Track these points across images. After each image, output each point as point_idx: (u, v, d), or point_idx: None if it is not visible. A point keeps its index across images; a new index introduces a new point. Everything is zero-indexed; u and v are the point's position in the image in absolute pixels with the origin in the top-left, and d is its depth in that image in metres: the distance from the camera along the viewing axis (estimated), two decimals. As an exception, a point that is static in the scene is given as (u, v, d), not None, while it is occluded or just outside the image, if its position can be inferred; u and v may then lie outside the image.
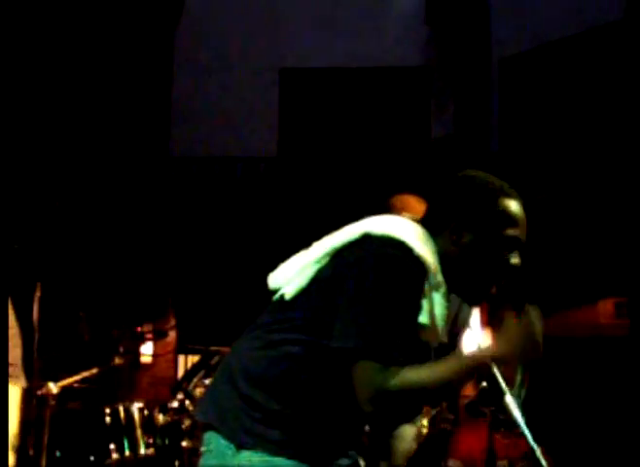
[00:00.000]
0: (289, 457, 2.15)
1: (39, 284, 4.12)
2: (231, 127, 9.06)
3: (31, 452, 4.11)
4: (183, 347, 7.07)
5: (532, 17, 7.52)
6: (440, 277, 2.20)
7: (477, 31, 8.45)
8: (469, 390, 6.46)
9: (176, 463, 4.39)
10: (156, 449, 4.33)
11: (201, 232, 8.18)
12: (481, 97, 8.27)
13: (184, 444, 4.36)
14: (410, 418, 2.37)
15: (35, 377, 4.09)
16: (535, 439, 2.38)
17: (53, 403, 4.17)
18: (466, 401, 5.99)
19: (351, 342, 2.09)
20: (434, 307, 2.20)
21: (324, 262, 2.22)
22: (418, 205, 3.63)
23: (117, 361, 4.58)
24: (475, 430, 4.74)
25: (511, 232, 2.25)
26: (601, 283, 6.46)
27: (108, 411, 4.32)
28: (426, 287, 2.17)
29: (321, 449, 2.21)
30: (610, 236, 6.42)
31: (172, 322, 5.76)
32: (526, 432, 2.36)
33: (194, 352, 6.11)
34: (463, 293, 2.30)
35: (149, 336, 4.89)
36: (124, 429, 4.29)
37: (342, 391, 2.15)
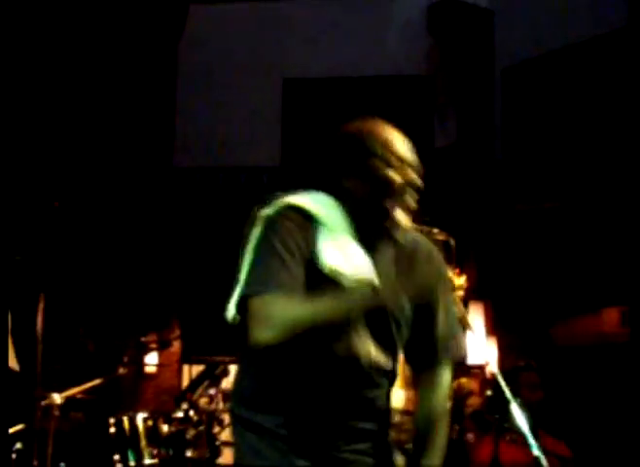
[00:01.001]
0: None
1: (42, 295, 4.12)
2: (234, 138, 9.07)
3: (35, 463, 4.10)
4: (187, 358, 7.07)
5: (535, 26, 7.52)
6: (342, 226, 2.32)
7: (480, 41, 8.45)
8: (474, 399, 6.46)
9: (181, 473, 4.38)
10: (160, 460, 4.32)
11: (205, 242, 8.18)
12: (485, 106, 8.27)
13: (188, 454, 4.35)
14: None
15: (39, 388, 4.08)
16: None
17: (57, 413, 4.17)
18: (471, 410, 6.00)
19: (240, 293, 2.24)
20: (344, 252, 2.28)
21: None
22: None
23: (121, 371, 4.58)
24: (489, 438, 4.75)
25: (387, 172, 2.34)
26: (606, 292, 6.44)
27: (112, 421, 4.32)
28: (319, 234, 2.28)
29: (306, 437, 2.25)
30: (614, 244, 6.41)
31: (177, 332, 5.76)
32: (531, 440, 2.35)
33: (198, 362, 6.10)
34: (378, 231, 2.36)
35: (153, 346, 4.88)
36: (128, 439, 4.28)
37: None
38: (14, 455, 4.25)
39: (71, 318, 6.31)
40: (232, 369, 4.40)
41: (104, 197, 7.70)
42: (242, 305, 2.24)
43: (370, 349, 2.31)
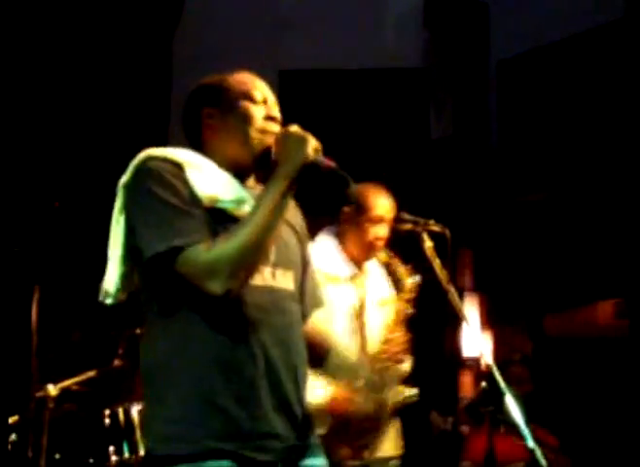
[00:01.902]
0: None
1: (37, 287, 4.11)
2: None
3: (30, 454, 4.10)
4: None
5: (530, 18, 7.51)
6: (205, 163, 2.31)
7: (475, 33, 8.44)
8: (468, 391, 6.47)
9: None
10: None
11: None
12: (480, 98, 8.27)
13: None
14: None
15: (34, 380, 4.08)
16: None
17: (51, 405, 4.17)
18: (465, 402, 6.01)
19: (160, 246, 2.15)
20: (217, 181, 2.28)
21: None
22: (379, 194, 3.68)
23: (116, 363, 4.57)
24: (484, 432, 4.76)
25: (247, 105, 2.41)
26: (601, 284, 6.45)
27: (107, 413, 4.31)
28: (187, 173, 2.25)
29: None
30: (610, 237, 6.42)
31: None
32: (526, 432, 2.35)
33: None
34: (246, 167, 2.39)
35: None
36: (123, 431, 4.27)
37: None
38: (9, 447, 4.26)
39: (65, 310, 6.30)
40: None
41: (101, 190, 7.68)
42: (160, 265, 2.16)
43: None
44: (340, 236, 3.81)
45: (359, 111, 9.19)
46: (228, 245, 2.14)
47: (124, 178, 2.30)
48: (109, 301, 2.37)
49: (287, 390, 2.25)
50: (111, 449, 4.24)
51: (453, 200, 7.02)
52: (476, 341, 5.80)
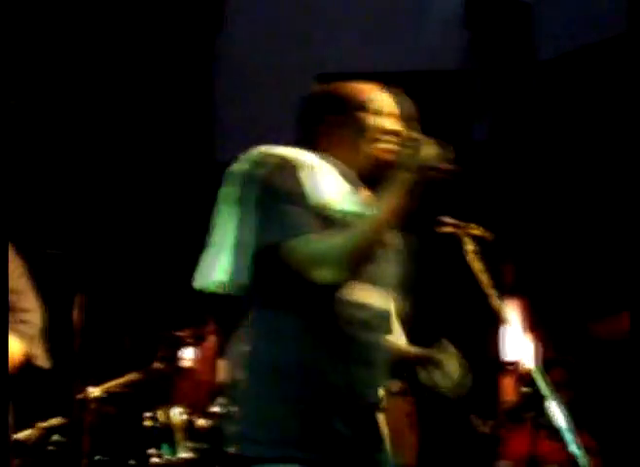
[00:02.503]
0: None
1: (80, 290, 4.15)
2: (271, 132, 9.07)
3: (72, 456, 4.14)
4: (223, 352, 7.08)
5: (572, 20, 7.45)
6: (323, 167, 2.30)
7: (518, 34, 8.39)
8: (509, 395, 6.42)
9: (215, 468, 4.39)
10: (195, 454, 4.34)
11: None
12: (522, 100, 8.21)
13: (224, 448, 4.36)
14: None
15: (76, 382, 4.11)
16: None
17: (93, 407, 4.20)
18: (507, 406, 5.97)
19: (272, 237, 2.17)
20: (333, 188, 2.27)
21: None
22: None
23: (156, 366, 4.60)
24: (524, 432, 4.73)
25: (368, 118, 2.40)
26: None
27: (148, 415, 4.34)
28: (303, 175, 2.24)
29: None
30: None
31: (212, 327, 5.76)
32: (568, 437, 2.32)
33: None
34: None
35: (188, 340, 4.89)
36: (163, 433, 4.30)
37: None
38: (51, 448, 4.30)
39: (107, 313, 6.35)
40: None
41: (147, 194, 7.74)
42: (270, 258, 2.17)
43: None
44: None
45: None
46: (340, 237, 2.15)
47: (241, 169, 2.31)
48: (220, 290, 2.33)
49: (367, 407, 2.27)
50: (151, 450, 4.26)
51: (495, 203, 6.97)
52: (517, 345, 5.76)
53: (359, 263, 2.18)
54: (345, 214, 2.24)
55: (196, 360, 5.25)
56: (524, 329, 6.92)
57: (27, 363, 3.17)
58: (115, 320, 6.70)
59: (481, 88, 8.60)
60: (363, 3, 9.18)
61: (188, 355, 5.19)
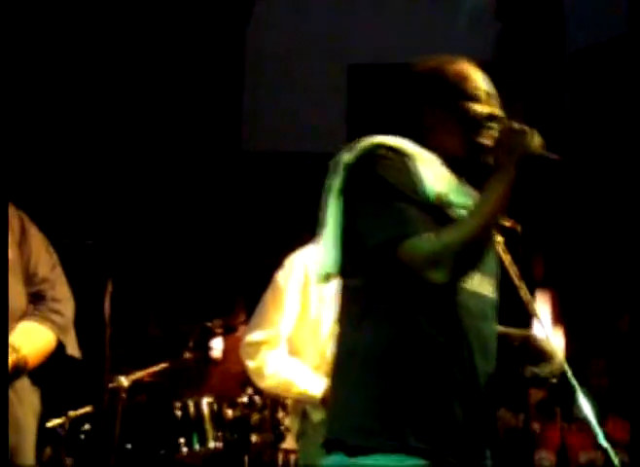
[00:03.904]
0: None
1: (110, 280, 4.17)
2: (300, 123, 9.08)
3: (103, 444, 4.17)
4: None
5: (602, 11, 7.39)
6: (431, 160, 2.26)
7: (549, 25, 8.33)
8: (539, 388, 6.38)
9: (245, 458, 4.41)
10: (225, 444, 4.36)
11: (272, 227, 8.22)
12: (553, 91, 8.16)
13: (252, 438, 4.38)
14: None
15: (107, 371, 4.14)
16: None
17: (124, 396, 4.23)
18: (537, 399, 5.95)
19: (385, 235, 2.12)
20: (445, 180, 2.24)
21: None
22: None
23: (186, 356, 4.62)
24: (555, 425, 4.73)
25: (471, 106, 2.34)
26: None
27: (178, 405, 4.36)
28: (415, 165, 2.21)
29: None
30: None
31: (242, 317, 5.77)
32: (597, 430, 2.31)
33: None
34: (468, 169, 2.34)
35: (218, 331, 4.90)
36: (193, 423, 4.32)
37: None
38: (82, 436, 4.33)
39: (138, 303, 6.38)
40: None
41: (173, 184, 7.77)
42: (383, 255, 2.13)
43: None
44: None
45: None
46: (454, 235, 2.12)
47: (349, 160, 2.25)
48: (332, 275, 2.31)
49: (484, 398, 2.23)
50: (181, 440, 4.29)
51: (525, 195, 6.94)
52: (547, 338, 5.71)
53: (474, 260, 2.17)
54: (458, 206, 2.22)
55: (226, 350, 5.27)
56: (553, 321, 6.89)
57: (58, 352, 3.19)
58: (146, 310, 6.73)
59: (512, 78, 8.55)
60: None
61: (218, 345, 5.22)
